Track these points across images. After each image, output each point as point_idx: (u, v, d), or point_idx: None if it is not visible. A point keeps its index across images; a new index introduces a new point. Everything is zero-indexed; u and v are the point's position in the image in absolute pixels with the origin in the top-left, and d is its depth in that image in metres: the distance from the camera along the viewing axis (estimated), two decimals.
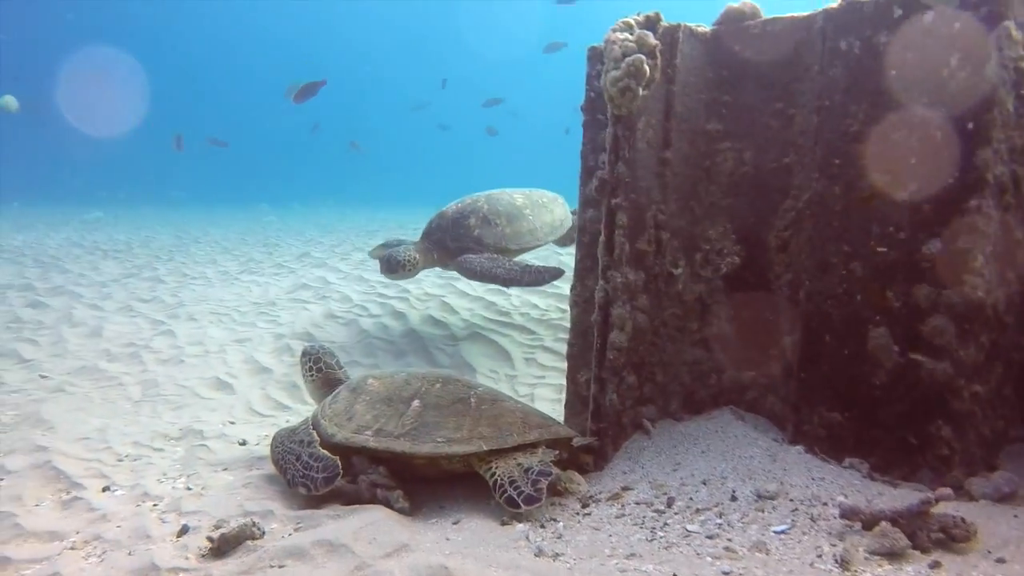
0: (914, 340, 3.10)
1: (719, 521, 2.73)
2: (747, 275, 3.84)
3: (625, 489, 3.17)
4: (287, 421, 4.81)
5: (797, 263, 3.58)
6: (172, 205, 29.30)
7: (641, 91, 3.41)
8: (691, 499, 2.95)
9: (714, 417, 3.72)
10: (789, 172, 3.66)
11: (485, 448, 3.18)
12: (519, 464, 3.15)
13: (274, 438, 3.65)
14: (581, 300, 4.04)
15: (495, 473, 3.14)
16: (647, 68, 3.37)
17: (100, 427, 4.66)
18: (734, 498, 2.88)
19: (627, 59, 3.37)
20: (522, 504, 2.97)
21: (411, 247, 6.41)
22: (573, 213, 6.82)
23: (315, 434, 3.47)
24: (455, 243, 6.37)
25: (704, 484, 3.06)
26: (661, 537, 2.70)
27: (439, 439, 3.24)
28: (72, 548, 2.95)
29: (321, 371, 4.07)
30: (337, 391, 3.80)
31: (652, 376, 3.81)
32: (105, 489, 3.61)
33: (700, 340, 3.92)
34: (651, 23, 3.57)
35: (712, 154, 3.88)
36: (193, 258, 13.19)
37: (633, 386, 3.70)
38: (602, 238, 3.62)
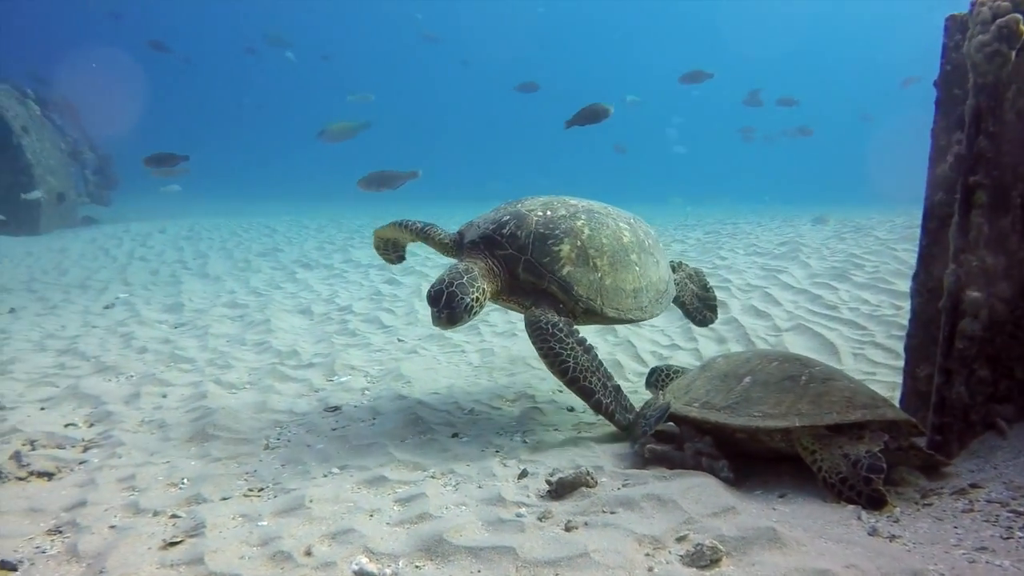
0: None
1: None
2: None
3: (973, 487, 2.92)
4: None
5: None
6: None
7: (1013, 55, 3.11)
8: None
9: None
10: None
11: (798, 424, 3.10)
12: (845, 455, 3.02)
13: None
14: (925, 289, 3.76)
15: (820, 466, 3.06)
16: (1023, 29, 3.06)
17: (447, 385, 5.27)
18: None
19: (998, 20, 3.10)
20: (865, 507, 2.85)
21: (471, 271, 3.91)
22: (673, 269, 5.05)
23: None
24: (529, 273, 4.01)
25: None
26: (1021, 537, 2.46)
27: (755, 413, 3.23)
28: (432, 477, 3.40)
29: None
30: (689, 370, 4.07)
31: (1010, 372, 3.44)
32: (454, 435, 4.08)
33: None
34: None
35: None
36: None
37: (986, 380, 3.38)
38: (955, 218, 3.35)
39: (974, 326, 3.32)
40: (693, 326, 6.68)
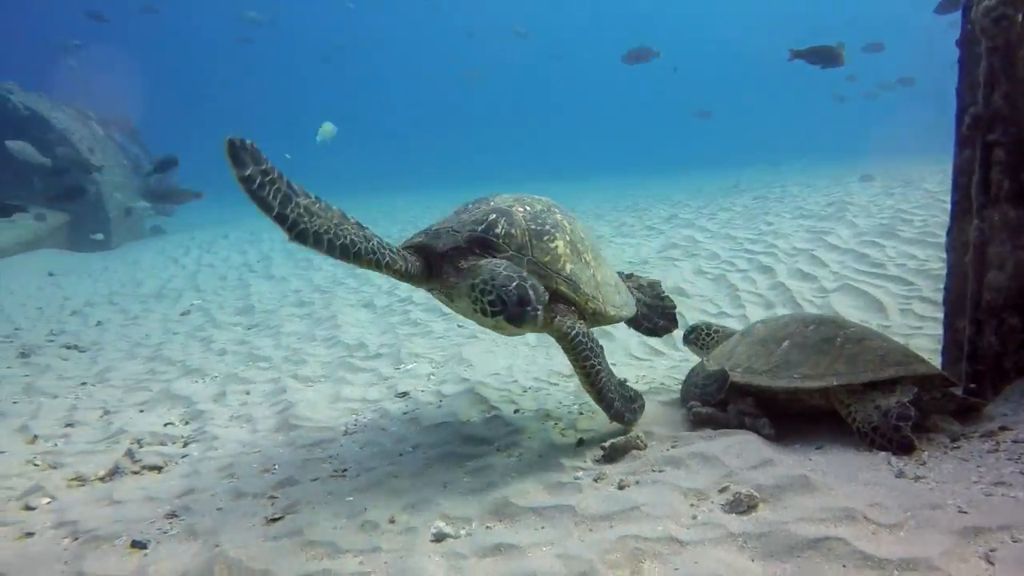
0: None
1: None
2: None
3: (1003, 429, 3.11)
4: (655, 366, 5.32)
5: None
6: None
7: (1020, 18, 3.25)
8: None
9: None
10: None
11: (835, 383, 3.33)
12: (877, 407, 3.23)
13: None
14: (958, 244, 3.93)
15: (854, 417, 3.29)
16: None
17: (507, 366, 5.59)
18: None
19: None
20: (895, 453, 3.06)
21: (527, 276, 3.23)
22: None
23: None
24: (536, 277, 3.36)
25: None
26: None
27: (795, 375, 3.46)
28: (497, 449, 3.72)
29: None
30: (732, 336, 4.31)
31: None
32: (516, 411, 4.39)
33: None
34: None
35: None
36: None
37: (1016, 328, 3.55)
38: (976, 176, 3.52)
39: (1000, 277, 3.49)
40: (741, 294, 6.85)
